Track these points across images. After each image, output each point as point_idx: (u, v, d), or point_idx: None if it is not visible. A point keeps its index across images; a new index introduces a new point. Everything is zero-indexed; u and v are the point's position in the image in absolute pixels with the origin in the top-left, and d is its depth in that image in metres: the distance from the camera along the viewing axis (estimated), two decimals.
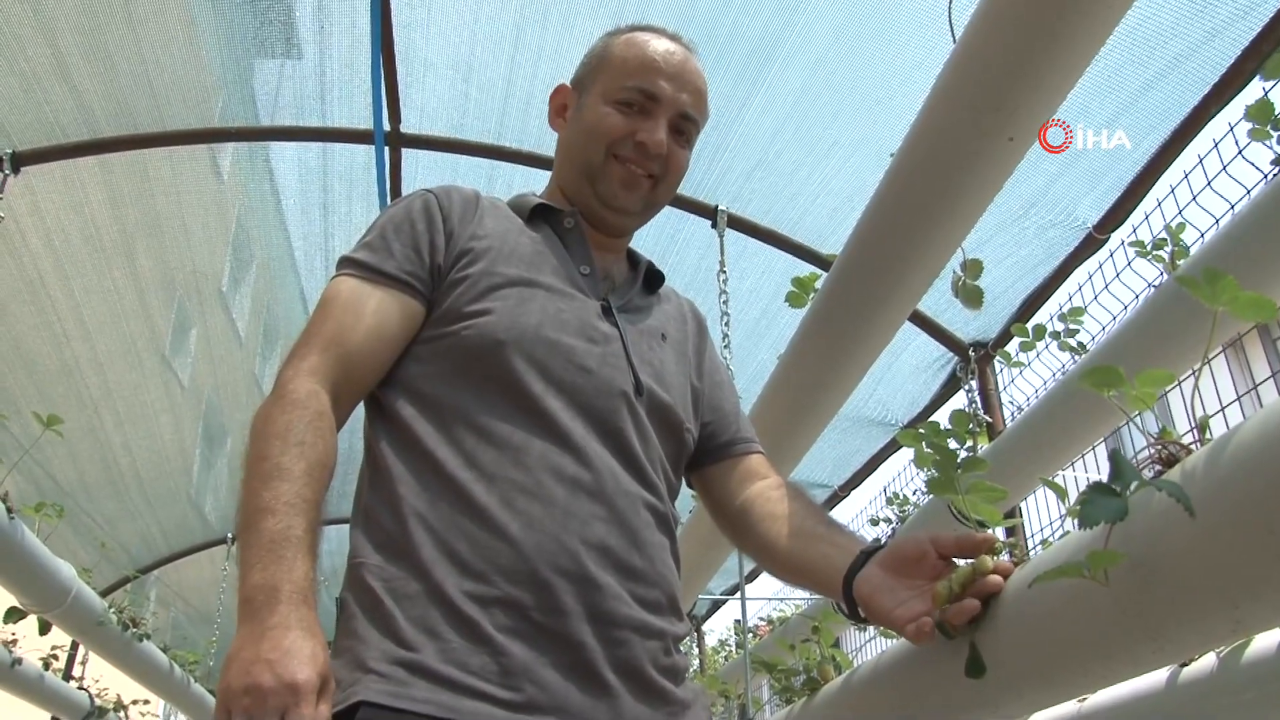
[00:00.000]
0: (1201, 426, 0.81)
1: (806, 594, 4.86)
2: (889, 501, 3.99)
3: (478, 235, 1.26)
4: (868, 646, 4.42)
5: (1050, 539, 3.06)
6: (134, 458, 5.18)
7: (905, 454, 4.09)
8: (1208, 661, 1.67)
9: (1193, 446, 0.82)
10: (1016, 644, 1.00)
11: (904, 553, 1.12)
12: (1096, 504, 0.79)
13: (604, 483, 1.13)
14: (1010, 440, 2.57)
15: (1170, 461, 0.83)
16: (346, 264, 1.24)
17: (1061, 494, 1.14)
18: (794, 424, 2.49)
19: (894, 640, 1.33)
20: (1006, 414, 3.11)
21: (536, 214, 1.33)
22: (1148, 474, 0.84)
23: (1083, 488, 0.82)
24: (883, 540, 1.20)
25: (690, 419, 1.33)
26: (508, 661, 1.02)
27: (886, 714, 1.34)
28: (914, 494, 3.94)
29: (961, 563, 1.09)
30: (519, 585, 1.06)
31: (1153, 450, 0.86)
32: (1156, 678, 1.79)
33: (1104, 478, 0.84)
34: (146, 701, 5.99)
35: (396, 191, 3.32)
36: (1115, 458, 0.81)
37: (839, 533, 1.25)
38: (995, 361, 3.15)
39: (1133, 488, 0.80)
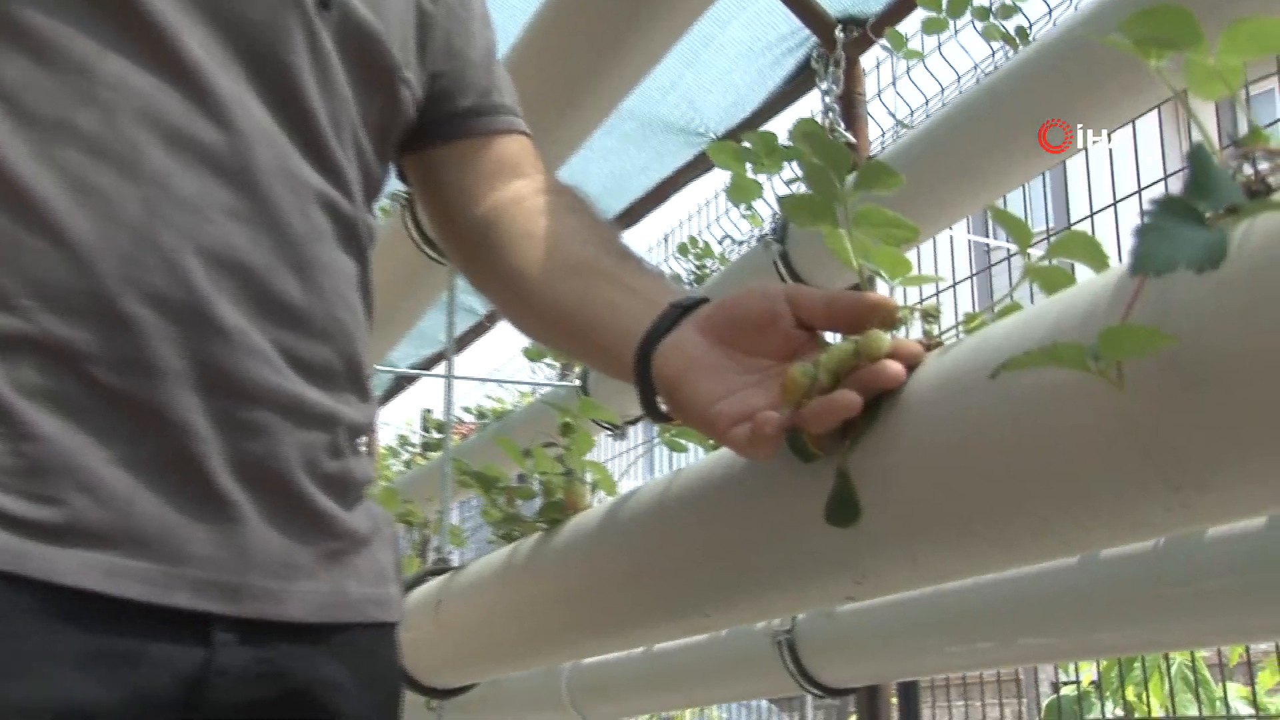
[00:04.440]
0: None
1: (542, 379, 5.00)
2: (681, 251, 4.05)
3: None
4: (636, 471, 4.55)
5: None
6: None
7: (710, 181, 4.22)
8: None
9: None
10: (919, 477, 0.94)
11: (742, 313, 1.07)
12: (1166, 234, 0.64)
13: (247, 152, 1.04)
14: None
15: (1262, 187, 0.72)
16: None
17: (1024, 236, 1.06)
18: (555, 111, 2.38)
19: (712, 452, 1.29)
20: (878, 135, 3.16)
21: None
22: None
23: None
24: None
25: (411, 62, 1.26)
26: (36, 450, 0.92)
27: (673, 571, 1.32)
28: (721, 241, 3.99)
29: (836, 339, 1.03)
30: (73, 319, 0.95)
31: (1231, 165, 0.74)
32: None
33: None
34: None
35: None
36: (1198, 156, 0.67)
37: (639, 271, 1.24)
38: (876, 49, 3.16)
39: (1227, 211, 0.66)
